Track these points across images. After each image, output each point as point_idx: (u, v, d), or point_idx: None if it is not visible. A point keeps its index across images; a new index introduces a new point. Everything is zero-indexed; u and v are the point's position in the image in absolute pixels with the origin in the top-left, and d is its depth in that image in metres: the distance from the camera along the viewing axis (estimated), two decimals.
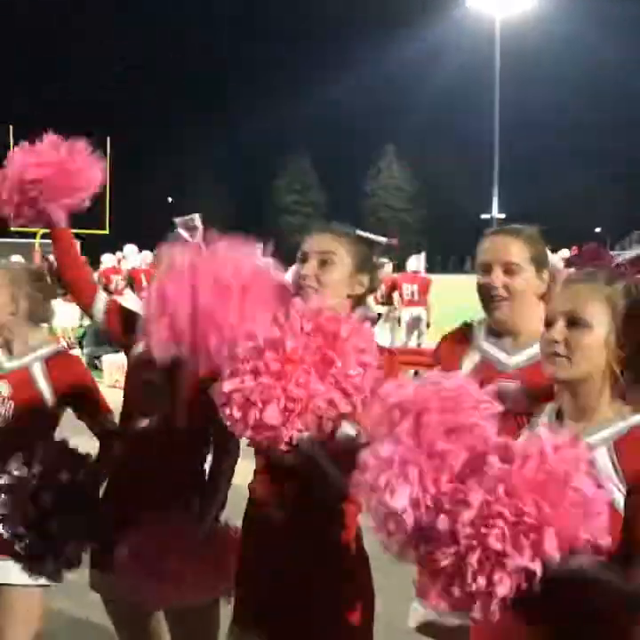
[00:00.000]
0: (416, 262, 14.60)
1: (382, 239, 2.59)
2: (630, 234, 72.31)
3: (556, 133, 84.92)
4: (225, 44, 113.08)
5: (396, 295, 14.10)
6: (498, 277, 2.50)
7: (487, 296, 2.54)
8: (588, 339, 1.94)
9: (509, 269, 2.50)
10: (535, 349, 2.19)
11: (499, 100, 57.53)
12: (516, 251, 2.51)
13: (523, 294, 2.50)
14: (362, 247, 2.50)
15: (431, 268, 20.51)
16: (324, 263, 2.43)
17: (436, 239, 79.09)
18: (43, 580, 2.95)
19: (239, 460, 2.87)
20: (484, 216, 63.03)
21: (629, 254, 2.21)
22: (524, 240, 2.54)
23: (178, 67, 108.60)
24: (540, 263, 2.54)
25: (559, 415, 2.07)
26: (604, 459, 1.91)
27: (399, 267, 15.14)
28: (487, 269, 2.53)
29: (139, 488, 2.84)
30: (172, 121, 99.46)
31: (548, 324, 2.00)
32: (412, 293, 14.21)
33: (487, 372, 2.49)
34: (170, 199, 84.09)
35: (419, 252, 15.30)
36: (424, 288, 14.28)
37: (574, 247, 15.19)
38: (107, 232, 30.60)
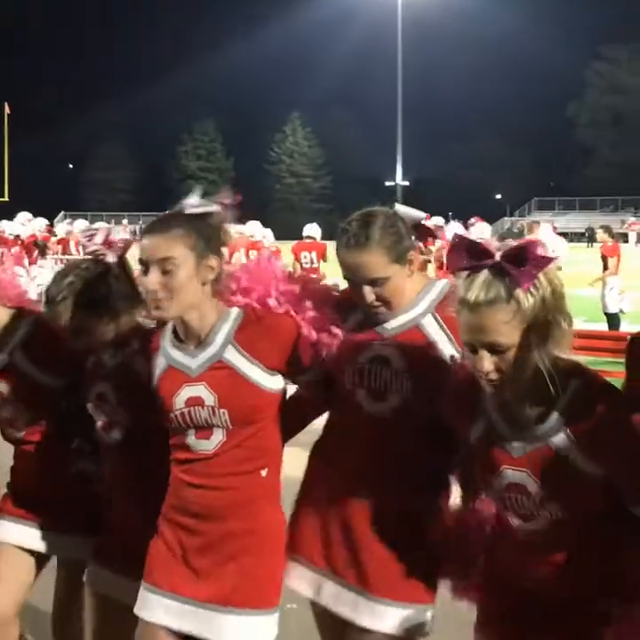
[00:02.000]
0: (311, 229, 14.75)
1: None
2: (529, 201, 73.80)
3: (459, 102, 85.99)
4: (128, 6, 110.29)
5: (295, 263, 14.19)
6: (368, 293, 2.50)
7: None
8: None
9: (374, 281, 2.50)
10: (408, 316, 2.53)
11: (401, 68, 57.90)
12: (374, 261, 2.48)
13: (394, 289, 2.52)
14: (198, 229, 2.41)
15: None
16: (166, 272, 2.35)
17: (341, 206, 79.34)
18: (39, 546, 3.02)
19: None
20: (388, 183, 63.50)
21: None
22: (376, 248, 2.46)
23: (78, 31, 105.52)
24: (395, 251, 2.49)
25: None
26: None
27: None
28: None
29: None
30: (73, 86, 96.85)
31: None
32: (311, 260, 14.36)
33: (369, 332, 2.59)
34: (71, 165, 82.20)
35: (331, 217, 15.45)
36: (320, 254, 14.45)
37: (475, 217, 15.58)
38: (6, 199, 29.77)
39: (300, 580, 2.61)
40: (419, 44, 68.39)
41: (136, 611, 2.54)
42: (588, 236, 45.10)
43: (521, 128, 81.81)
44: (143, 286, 2.40)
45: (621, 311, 13.92)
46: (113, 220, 37.89)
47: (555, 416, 2.04)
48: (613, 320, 13.83)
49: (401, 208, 2.63)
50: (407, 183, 62.11)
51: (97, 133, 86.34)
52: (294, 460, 2.74)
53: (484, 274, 1.99)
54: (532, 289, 1.97)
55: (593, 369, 2.12)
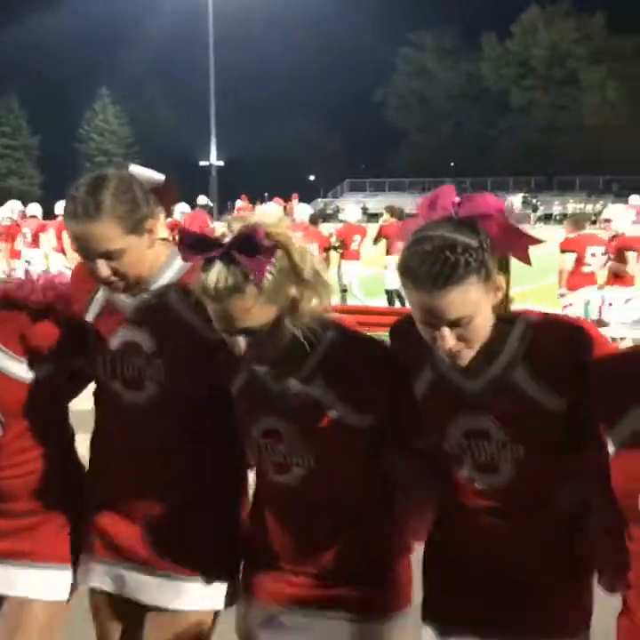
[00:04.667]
0: None
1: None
2: (341, 183, 75.06)
3: (274, 82, 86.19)
4: None
5: None
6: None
7: None
8: None
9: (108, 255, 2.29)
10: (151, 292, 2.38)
11: (213, 47, 57.47)
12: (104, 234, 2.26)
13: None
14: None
15: None
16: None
17: None
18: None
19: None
20: (202, 163, 62.95)
21: None
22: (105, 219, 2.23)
23: None
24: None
25: None
26: None
27: None
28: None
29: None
30: None
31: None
32: None
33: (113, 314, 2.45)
34: None
35: None
36: None
37: (294, 194, 15.78)
38: None
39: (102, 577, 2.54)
40: (231, 22, 67.85)
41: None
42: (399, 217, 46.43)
43: (333, 110, 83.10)
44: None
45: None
46: None
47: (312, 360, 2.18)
48: (392, 297, 14.67)
49: (137, 169, 2.37)
50: (222, 163, 61.86)
51: None
52: None
53: (218, 264, 1.97)
54: (270, 268, 1.99)
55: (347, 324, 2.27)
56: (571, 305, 10.46)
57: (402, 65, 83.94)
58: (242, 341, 2.06)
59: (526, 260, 1.94)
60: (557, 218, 51.16)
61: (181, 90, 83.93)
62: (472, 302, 1.88)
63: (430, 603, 2.27)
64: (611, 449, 1.86)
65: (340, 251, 15.59)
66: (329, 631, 2.27)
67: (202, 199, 23.00)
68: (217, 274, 1.96)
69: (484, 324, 1.94)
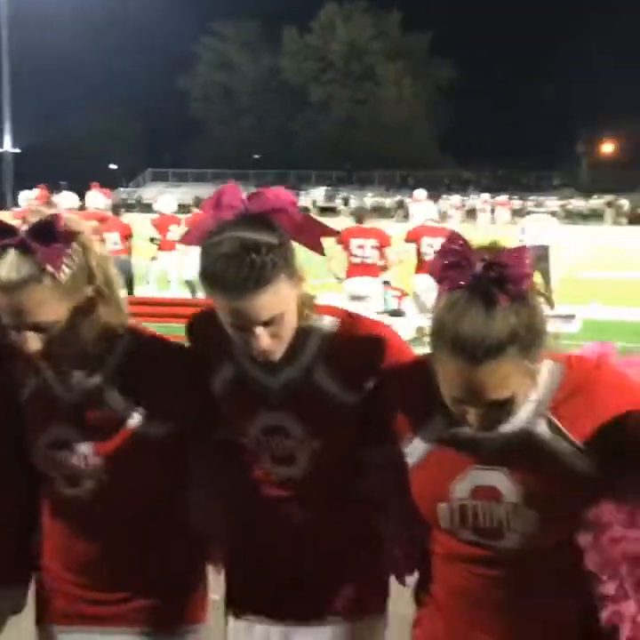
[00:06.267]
0: None
1: None
2: (143, 172, 73.76)
3: (75, 68, 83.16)
4: None
5: None
6: None
7: None
8: None
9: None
10: None
11: (6, 29, 55.15)
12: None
13: None
14: None
15: None
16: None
17: None
18: None
19: None
20: None
21: None
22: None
23: None
24: None
25: None
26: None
27: None
28: None
29: None
30: None
31: None
32: None
33: None
34: None
35: None
36: None
37: (94, 183, 15.35)
38: None
39: None
40: (28, 7, 64.90)
41: None
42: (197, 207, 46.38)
43: (136, 98, 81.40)
44: None
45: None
46: None
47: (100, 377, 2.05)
48: (192, 286, 14.73)
49: None
50: (18, 150, 59.36)
51: None
52: None
53: (12, 253, 1.85)
54: (67, 261, 1.90)
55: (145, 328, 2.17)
56: (368, 296, 10.70)
57: (205, 55, 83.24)
58: (32, 338, 1.92)
59: (320, 250, 1.99)
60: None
61: None
62: (283, 300, 1.88)
63: (234, 592, 2.29)
64: (409, 460, 1.92)
65: (157, 242, 15.45)
66: None
67: None
68: (11, 263, 1.85)
69: (292, 317, 1.96)
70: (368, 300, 10.63)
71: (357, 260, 10.71)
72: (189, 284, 14.81)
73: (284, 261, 1.87)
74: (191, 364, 2.13)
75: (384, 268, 11.08)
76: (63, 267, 1.89)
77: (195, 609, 2.26)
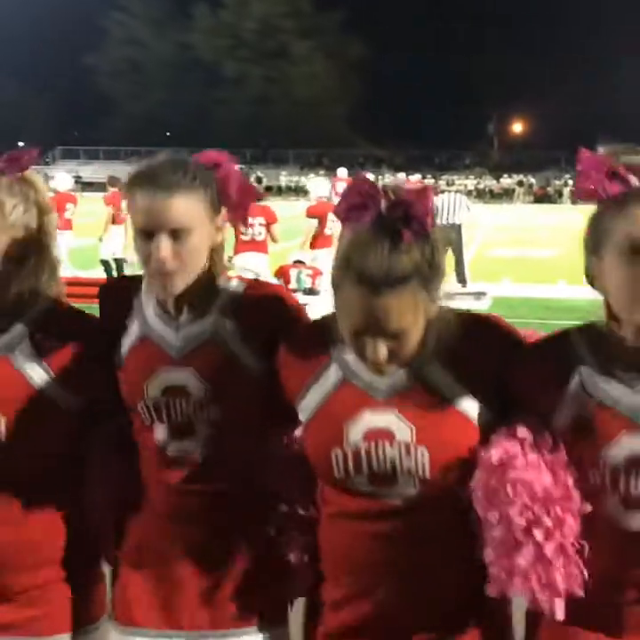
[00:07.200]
0: None
1: None
2: (53, 150, 72.01)
3: None
4: None
5: None
6: None
7: None
8: None
9: None
10: None
11: None
12: None
13: None
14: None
15: None
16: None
17: None
18: None
19: None
20: None
21: None
22: None
23: None
24: None
25: None
26: None
27: None
28: None
29: None
30: None
31: None
32: None
33: None
34: None
35: None
36: None
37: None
38: None
39: None
40: None
41: None
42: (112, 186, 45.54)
43: (42, 74, 79.50)
44: None
45: (125, 260, 14.39)
46: None
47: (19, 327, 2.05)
48: (108, 267, 14.59)
49: None
50: None
51: None
52: None
53: None
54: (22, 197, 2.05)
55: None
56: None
57: (115, 30, 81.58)
58: None
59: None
60: (274, 190, 52.44)
61: None
62: (193, 215, 1.92)
63: (118, 595, 2.18)
64: (303, 416, 1.94)
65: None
66: None
67: None
68: None
69: (200, 248, 1.97)
70: (258, 276, 10.74)
71: (247, 238, 10.93)
72: (105, 264, 14.58)
73: (204, 186, 1.96)
74: (98, 339, 2.11)
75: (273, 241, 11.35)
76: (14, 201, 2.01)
77: (94, 606, 2.19)
